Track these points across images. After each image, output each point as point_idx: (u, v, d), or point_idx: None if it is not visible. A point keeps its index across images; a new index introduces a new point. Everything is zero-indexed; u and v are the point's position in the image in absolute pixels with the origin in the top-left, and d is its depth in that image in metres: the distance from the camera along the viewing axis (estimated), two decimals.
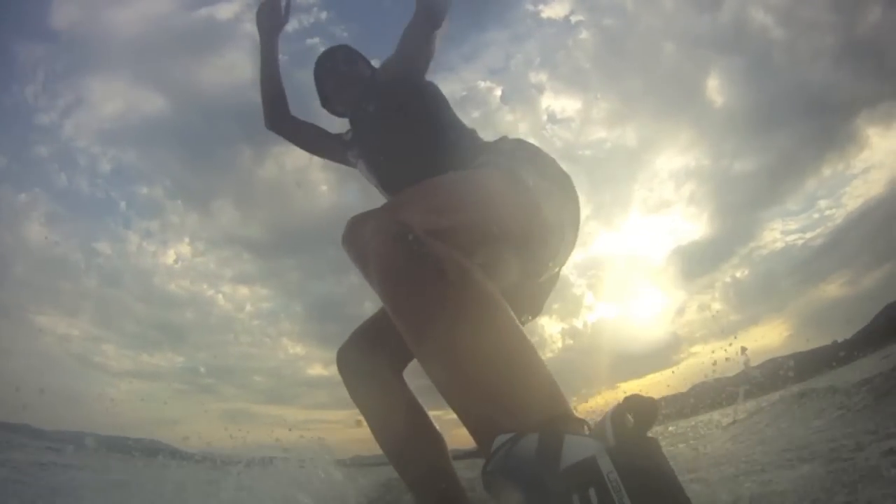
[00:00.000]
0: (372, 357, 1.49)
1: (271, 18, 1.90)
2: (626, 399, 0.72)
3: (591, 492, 0.66)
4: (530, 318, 1.52)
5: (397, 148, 1.64)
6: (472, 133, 1.67)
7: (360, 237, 0.98)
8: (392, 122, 1.67)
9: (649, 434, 0.71)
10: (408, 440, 1.46)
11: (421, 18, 1.54)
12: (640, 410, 0.71)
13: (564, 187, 1.36)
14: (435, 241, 0.91)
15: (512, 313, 0.91)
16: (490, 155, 1.42)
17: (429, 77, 1.71)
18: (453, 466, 1.46)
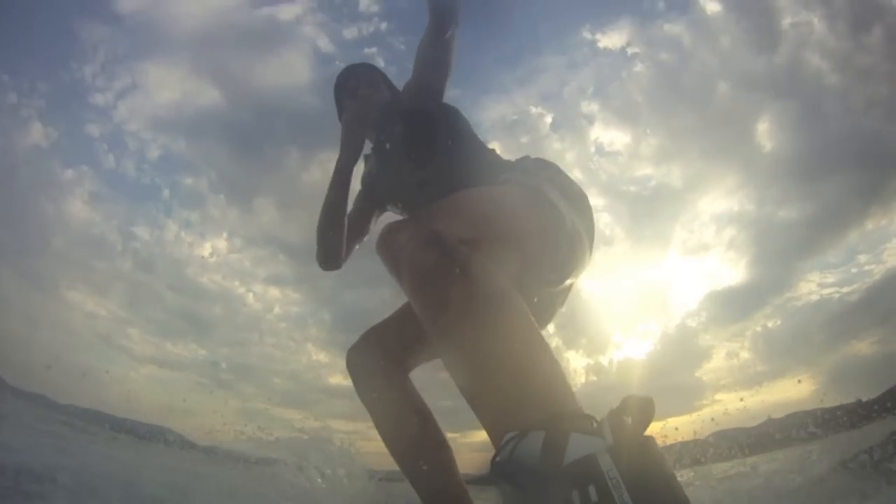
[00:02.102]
0: (381, 357, 1.51)
1: (362, 124, 1.71)
2: (624, 400, 0.75)
3: (592, 489, 0.67)
4: (542, 327, 1.53)
5: (422, 175, 1.64)
6: (493, 152, 1.70)
7: (394, 243, 1.02)
8: (415, 151, 1.66)
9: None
10: (412, 439, 1.47)
11: (430, 27, 1.49)
12: (637, 411, 0.73)
13: (581, 205, 1.42)
14: (464, 248, 0.95)
15: (531, 317, 0.95)
16: (514, 173, 1.48)
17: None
18: (457, 469, 1.47)
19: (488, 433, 0.87)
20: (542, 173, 1.45)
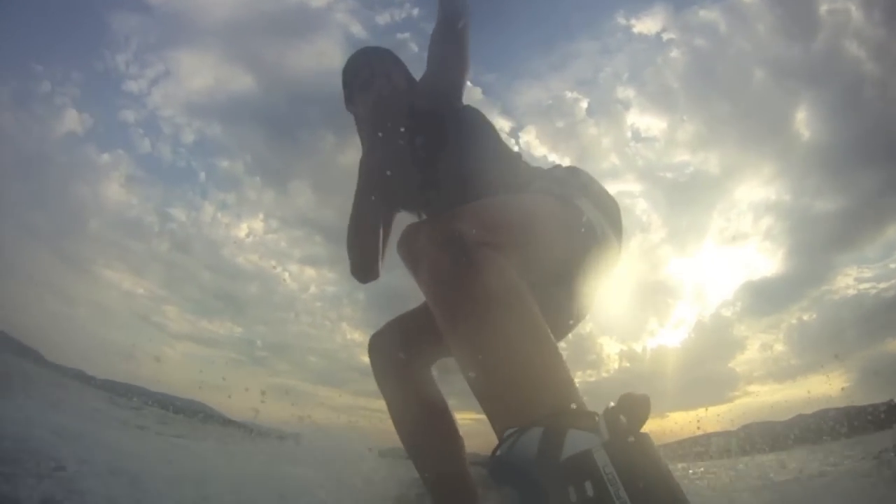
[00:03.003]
0: (404, 348, 1.51)
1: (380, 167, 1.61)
2: (621, 398, 0.75)
3: (588, 485, 0.67)
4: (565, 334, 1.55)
5: (442, 182, 1.57)
6: (518, 157, 1.64)
7: (414, 242, 1.03)
8: (433, 156, 1.58)
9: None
10: (425, 433, 1.49)
11: (440, 20, 1.44)
12: (633, 408, 0.74)
13: (612, 214, 1.42)
14: (483, 248, 0.96)
15: (541, 319, 0.96)
16: (545, 181, 1.46)
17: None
18: (467, 465, 1.49)
19: (493, 427, 0.89)
20: (574, 181, 1.44)
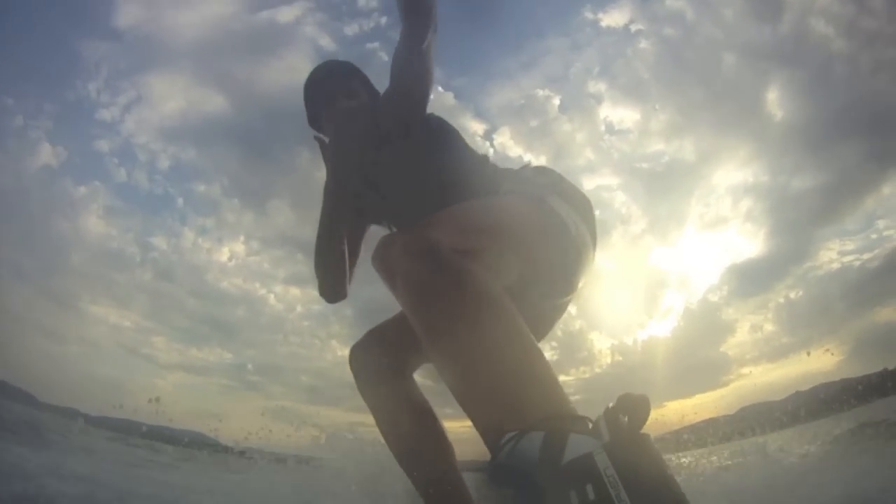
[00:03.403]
0: (385, 357, 1.49)
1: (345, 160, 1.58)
2: (620, 398, 0.75)
3: (589, 488, 0.68)
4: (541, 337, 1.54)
5: (410, 191, 1.57)
6: (485, 160, 1.63)
7: (388, 254, 1.03)
8: (400, 166, 1.57)
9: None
10: (414, 442, 1.47)
11: (404, 36, 1.38)
12: (633, 409, 0.74)
13: (585, 211, 1.41)
14: (458, 257, 0.96)
15: (523, 323, 0.96)
16: (515, 183, 1.47)
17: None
18: (459, 471, 1.47)
19: (482, 436, 0.88)
20: (544, 181, 1.44)
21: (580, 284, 1.40)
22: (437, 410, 1.54)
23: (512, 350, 0.91)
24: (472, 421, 0.90)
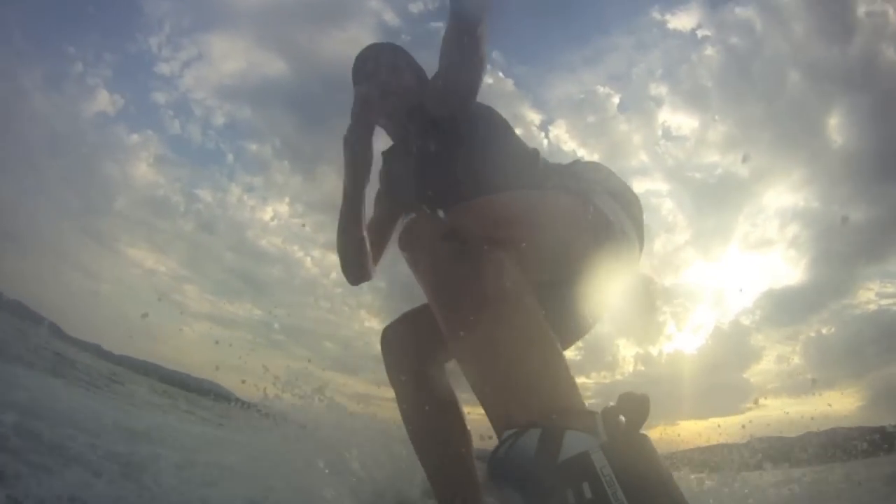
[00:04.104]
0: (417, 343, 1.48)
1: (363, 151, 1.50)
2: (620, 398, 0.76)
3: (585, 486, 0.69)
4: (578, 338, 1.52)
5: (452, 183, 1.48)
6: (536, 154, 1.57)
7: (414, 237, 1.04)
8: (442, 155, 1.53)
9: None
10: (434, 431, 1.49)
11: (452, 26, 1.26)
12: (632, 408, 0.74)
13: (633, 209, 1.39)
14: (483, 245, 0.96)
15: (541, 318, 0.95)
16: (563, 178, 1.44)
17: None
18: (473, 463, 1.48)
19: (494, 428, 0.89)
20: (594, 177, 1.42)
21: (621, 287, 1.39)
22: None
23: (524, 344, 0.91)
24: (486, 413, 0.92)
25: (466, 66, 1.35)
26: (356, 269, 1.64)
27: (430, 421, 1.48)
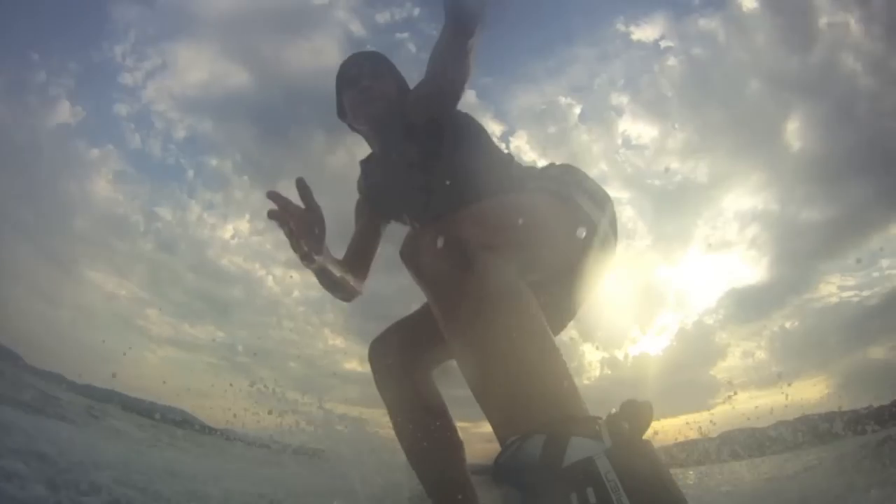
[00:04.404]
0: (404, 353, 1.52)
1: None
2: (623, 405, 0.76)
3: (590, 491, 0.68)
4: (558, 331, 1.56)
5: (437, 188, 1.53)
6: (511, 159, 1.63)
7: (417, 250, 1.03)
8: (423, 161, 1.56)
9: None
10: (426, 439, 1.49)
11: (448, 32, 1.24)
12: (635, 415, 0.75)
13: (608, 209, 1.44)
14: (483, 253, 0.96)
15: (545, 324, 0.96)
16: (541, 181, 1.48)
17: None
18: (468, 472, 1.50)
19: (496, 434, 0.89)
20: (569, 179, 1.45)
21: (601, 283, 1.44)
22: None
23: (531, 351, 0.91)
24: (489, 419, 0.91)
25: (457, 72, 1.34)
26: (342, 295, 1.65)
27: (424, 429, 1.49)
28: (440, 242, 0.97)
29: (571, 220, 1.28)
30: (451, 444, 1.51)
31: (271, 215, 1.27)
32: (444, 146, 1.54)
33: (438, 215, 1.08)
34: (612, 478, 0.68)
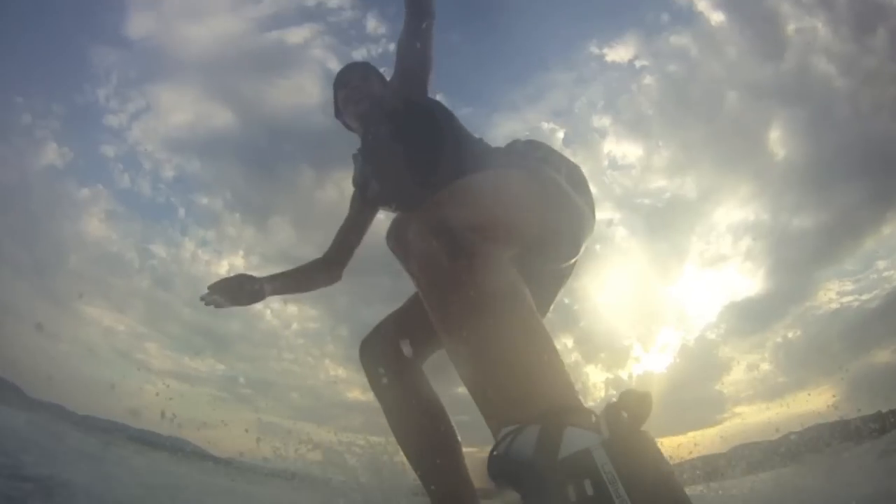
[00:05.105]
0: (392, 347, 1.51)
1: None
2: (622, 395, 0.74)
3: (587, 483, 0.67)
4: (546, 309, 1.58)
5: (415, 168, 1.65)
6: (482, 141, 1.72)
7: (404, 235, 1.02)
8: (405, 144, 1.68)
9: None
10: (422, 433, 1.49)
11: (407, 20, 1.64)
12: (634, 405, 0.73)
13: (578, 179, 1.49)
14: (471, 235, 0.96)
15: (535, 310, 0.96)
16: (510, 157, 1.54)
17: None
18: (465, 464, 1.48)
19: (489, 426, 0.88)
20: (536, 153, 1.50)
21: (582, 248, 1.44)
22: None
23: (521, 339, 0.90)
24: (481, 410, 0.90)
25: (420, 56, 1.71)
26: (316, 288, 1.97)
27: (420, 423, 1.50)
28: (426, 227, 0.97)
29: (543, 190, 1.31)
30: (446, 440, 1.49)
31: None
32: (418, 128, 1.67)
33: (422, 198, 1.11)
34: (610, 470, 0.67)
